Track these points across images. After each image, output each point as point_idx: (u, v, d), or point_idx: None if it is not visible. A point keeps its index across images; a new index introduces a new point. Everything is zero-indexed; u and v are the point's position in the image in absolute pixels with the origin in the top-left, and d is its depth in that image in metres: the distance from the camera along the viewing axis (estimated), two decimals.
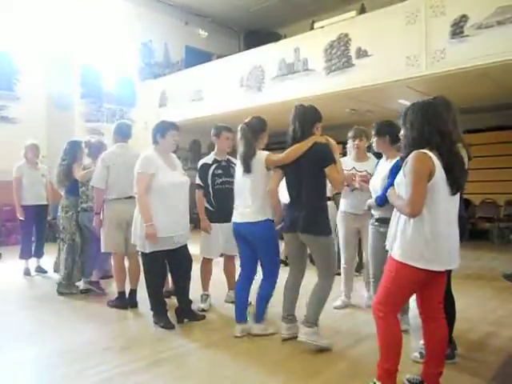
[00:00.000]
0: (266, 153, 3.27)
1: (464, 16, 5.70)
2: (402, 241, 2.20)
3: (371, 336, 3.25)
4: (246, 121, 3.36)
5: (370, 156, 4.11)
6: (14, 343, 3.33)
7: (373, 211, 3.46)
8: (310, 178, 3.06)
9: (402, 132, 2.35)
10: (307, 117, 3.12)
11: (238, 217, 3.35)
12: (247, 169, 3.24)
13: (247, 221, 3.26)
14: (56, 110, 9.29)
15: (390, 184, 2.57)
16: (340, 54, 7.03)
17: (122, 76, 10.69)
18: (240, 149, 3.30)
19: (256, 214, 3.23)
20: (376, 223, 3.42)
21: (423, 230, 2.14)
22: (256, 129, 3.31)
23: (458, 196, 2.25)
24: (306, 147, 3.04)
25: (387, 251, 2.35)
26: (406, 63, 6.22)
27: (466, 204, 2.32)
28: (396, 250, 2.22)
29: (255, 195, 3.24)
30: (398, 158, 2.91)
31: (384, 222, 3.10)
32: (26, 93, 8.86)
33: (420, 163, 2.12)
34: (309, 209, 3.05)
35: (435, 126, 2.18)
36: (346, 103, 8.04)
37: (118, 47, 10.46)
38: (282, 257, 4.29)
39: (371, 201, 3.38)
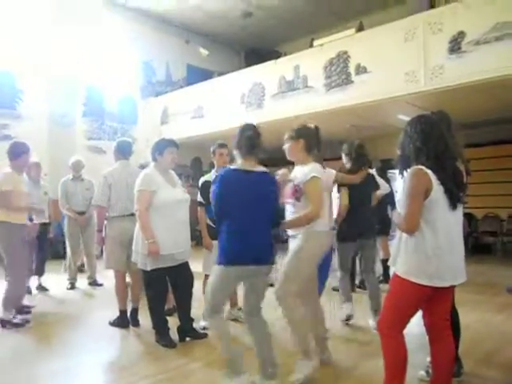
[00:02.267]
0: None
1: (461, 32, 5.77)
2: (404, 257, 2.19)
3: (378, 354, 3.22)
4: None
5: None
6: (10, 364, 3.29)
7: None
8: None
9: (398, 147, 2.35)
10: None
11: None
12: None
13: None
14: (58, 128, 9.35)
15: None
16: (339, 71, 7.10)
17: (124, 94, 10.79)
18: None
19: None
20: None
21: (424, 246, 2.13)
22: None
23: (460, 210, 2.23)
24: None
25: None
26: (405, 79, 6.28)
27: (468, 218, 2.31)
28: (399, 266, 2.21)
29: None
30: None
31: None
32: (28, 111, 8.94)
33: (416, 179, 2.13)
34: None
35: (433, 141, 2.18)
36: (346, 119, 8.10)
37: (119, 66, 10.59)
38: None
39: None
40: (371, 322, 3.94)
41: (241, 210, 2.62)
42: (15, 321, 4.18)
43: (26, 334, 4.03)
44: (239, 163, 2.68)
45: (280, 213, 2.88)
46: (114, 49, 10.41)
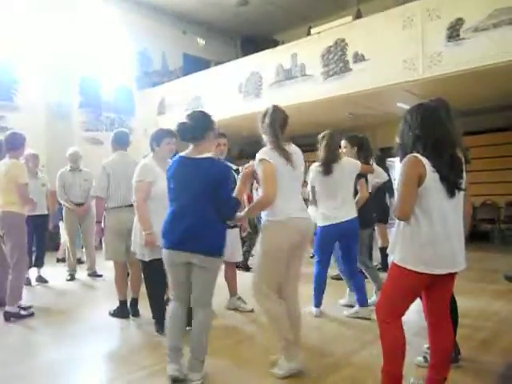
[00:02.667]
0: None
1: (460, 19, 5.73)
2: (401, 245, 2.20)
3: (377, 341, 3.25)
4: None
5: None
6: (13, 356, 3.31)
7: None
8: None
9: (398, 135, 2.35)
10: None
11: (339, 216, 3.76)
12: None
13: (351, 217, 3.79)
14: (55, 119, 9.32)
15: None
16: (337, 59, 7.06)
17: (121, 85, 10.73)
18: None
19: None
20: None
21: (419, 234, 2.13)
22: None
23: (460, 198, 2.22)
24: None
25: None
26: (403, 67, 6.24)
27: None
28: (396, 254, 2.22)
29: (347, 194, 3.84)
30: None
31: None
32: (24, 103, 8.89)
33: (409, 167, 2.13)
34: None
35: (432, 128, 2.17)
36: (344, 108, 8.07)
37: (116, 56, 10.52)
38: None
39: None
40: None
41: (177, 195, 2.68)
42: (22, 313, 4.20)
43: (27, 325, 4.05)
44: (187, 150, 2.70)
45: (231, 203, 2.65)
46: (110, 39, 10.33)
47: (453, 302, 2.73)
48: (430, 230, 2.12)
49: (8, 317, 4.09)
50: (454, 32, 5.80)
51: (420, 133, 2.18)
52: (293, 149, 2.79)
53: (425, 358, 2.82)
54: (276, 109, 2.84)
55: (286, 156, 2.69)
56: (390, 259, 2.34)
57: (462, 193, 2.21)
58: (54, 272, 6.25)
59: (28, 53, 8.94)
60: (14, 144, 4.28)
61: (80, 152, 6.13)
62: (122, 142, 4.32)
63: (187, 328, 3.65)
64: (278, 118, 2.79)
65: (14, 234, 4.17)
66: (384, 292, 2.31)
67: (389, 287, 2.27)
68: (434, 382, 2.29)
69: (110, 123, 10.46)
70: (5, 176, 4.14)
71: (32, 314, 4.24)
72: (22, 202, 4.19)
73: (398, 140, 2.33)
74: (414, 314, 3.76)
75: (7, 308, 4.13)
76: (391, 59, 6.36)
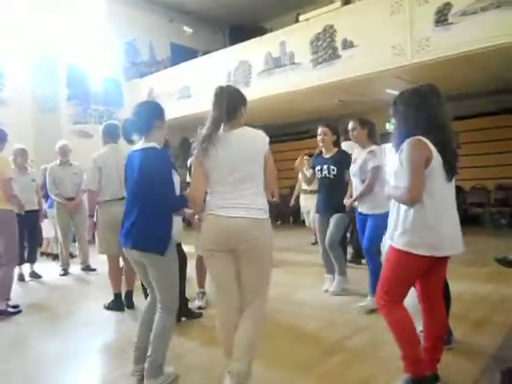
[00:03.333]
0: None
1: (448, 4, 5.72)
2: (404, 229, 2.18)
3: (369, 327, 3.29)
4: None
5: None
6: (8, 351, 3.32)
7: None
8: None
9: (392, 121, 2.35)
10: None
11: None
12: None
13: None
14: (42, 113, 9.20)
15: None
16: (326, 46, 7.03)
17: (108, 76, 10.60)
18: None
19: None
20: None
21: (425, 217, 2.12)
22: None
23: (453, 182, 2.25)
24: None
25: None
26: (392, 53, 6.24)
27: (457, 191, 2.31)
28: (397, 238, 2.20)
29: None
30: None
31: None
32: (11, 97, 8.75)
33: (416, 150, 2.11)
34: None
35: (424, 112, 2.17)
36: (334, 95, 8.06)
37: (102, 47, 10.37)
38: None
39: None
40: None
41: (126, 190, 2.65)
42: (10, 310, 4.17)
43: (22, 320, 4.04)
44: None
45: (169, 197, 2.47)
46: (96, 29, 10.17)
47: (445, 285, 2.76)
48: (434, 213, 2.13)
49: None
50: (441, 17, 5.79)
51: (411, 117, 2.18)
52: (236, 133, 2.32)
53: None
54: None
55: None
56: (386, 244, 2.34)
57: (454, 178, 2.23)
58: (47, 267, 6.23)
59: (13, 46, 8.77)
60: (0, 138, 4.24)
61: (69, 145, 6.07)
62: (112, 134, 4.28)
63: (183, 319, 3.70)
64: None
65: (3, 231, 4.11)
66: (384, 277, 2.29)
67: (389, 272, 2.25)
68: (428, 363, 2.32)
69: (98, 116, 10.36)
70: None
71: (19, 312, 4.21)
72: (5, 198, 4.09)
73: (396, 124, 2.30)
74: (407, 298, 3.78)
75: None
76: (380, 45, 6.34)
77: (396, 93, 2.36)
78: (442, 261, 2.23)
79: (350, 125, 3.95)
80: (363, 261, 5.59)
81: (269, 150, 2.33)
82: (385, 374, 2.57)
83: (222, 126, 2.29)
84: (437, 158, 2.12)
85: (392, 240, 2.25)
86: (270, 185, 2.39)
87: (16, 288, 5.34)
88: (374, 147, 3.80)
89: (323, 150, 4.37)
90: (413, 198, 2.09)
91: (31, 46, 8.95)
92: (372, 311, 3.56)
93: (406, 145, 2.15)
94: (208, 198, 2.36)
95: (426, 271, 2.24)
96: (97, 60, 10.28)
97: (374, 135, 3.90)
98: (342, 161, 4.23)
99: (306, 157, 5.29)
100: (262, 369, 2.65)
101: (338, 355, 2.90)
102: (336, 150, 4.35)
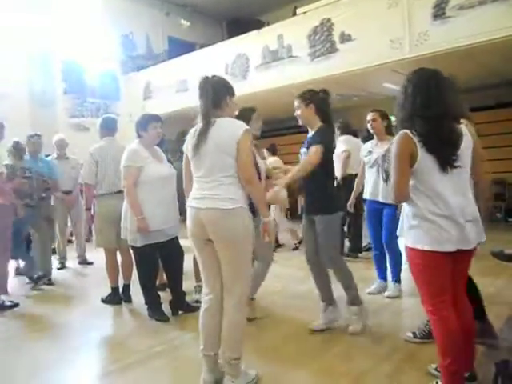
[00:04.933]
0: None
1: None
2: (408, 225, 2.13)
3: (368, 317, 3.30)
4: None
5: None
6: (7, 342, 3.33)
7: None
8: None
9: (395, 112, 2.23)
10: None
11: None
12: None
13: None
14: (39, 106, 9.14)
15: None
16: (324, 40, 7.00)
17: (105, 70, 10.53)
18: None
19: None
20: None
21: (421, 213, 2.05)
22: None
23: (459, 174, 2.06)
24: None
25: None
26: (390, 46, 6.21)
27: None
28: (408, 237, 2.14)
29: None
30: None
31: None
32: (7, 91, 8.67)
33: (400, 145, 2.05)
34: None
35: (416, 99, 2.06)
36: (332, 89, 7.95)
37: (98, 41, 10.28)
38: None
39: None
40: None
41: None
42: (6, 303, 4.17)
43: (19, 314, 4.04)
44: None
45: None
46: (93, 23, 10.06)
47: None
48: (432, 206, 2.02)
49: None
50: (439, 10, 5.76)
51: (407, 104, 2.09)
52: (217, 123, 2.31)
53: (414, 333, 2.88)
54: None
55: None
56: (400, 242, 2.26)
57: (462, 170, 2.07)
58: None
59: (8, 40, 8.70)
60: None
61: (66, 139, 6.05)
62: (109, 127, 4.27)
63: (180, 312, 3.71)
64: None
65: None
66: (416, 283, 2.17)
67: (416, 275, 2.14)
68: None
69: (95, 109, 10.31)
70: None
71: (17, 305, 4.20)
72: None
73: (396, 113, 2.19)
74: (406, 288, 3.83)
75: None
76: (378, 39, 6.31)
77: (394, 87, 2.34)
78: (460, 255, 2.08)
79: (370, 115, 3.99)
80: (360, 254, 5.65)
81: (244, 139, 2.25)
82: (384, 366, 2.59)
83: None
84: (424, 152, 2.01)
85: (403, 237, 2.19)
86: (241, 176, 2.29)
87: (13, 281, 5.35)
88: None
89: (375, 136, 4.07)
90: (397, 195, 2.07)
91: (27, 40, 8.86)
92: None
93: (394, 140, 2.10)
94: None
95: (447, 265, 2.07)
96: (93, 53, 10.19)
97: (391, 128, 3.93)
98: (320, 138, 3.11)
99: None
100: (258, 363, 2.67)
101: (335, 348, 2.91)
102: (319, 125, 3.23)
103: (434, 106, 2.05)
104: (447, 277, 2.09)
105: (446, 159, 2.03)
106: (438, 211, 2.03)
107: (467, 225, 2.06)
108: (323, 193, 3.11)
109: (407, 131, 2.05)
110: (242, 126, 2.30)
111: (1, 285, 4.17)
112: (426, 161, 2.02)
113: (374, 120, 3.95)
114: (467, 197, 2.11)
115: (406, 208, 2.15)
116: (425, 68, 2.22)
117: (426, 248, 2.03)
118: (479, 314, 2.61)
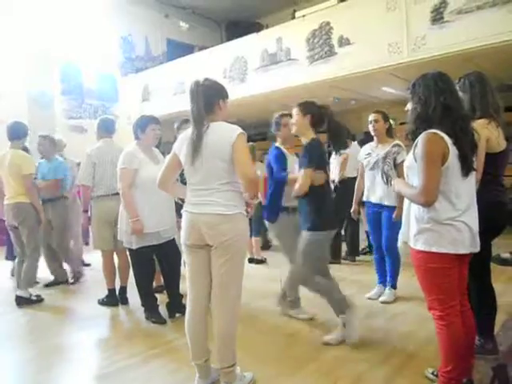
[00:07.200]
0: None
1: (443, 2, 5.72)
2: (419, 229, 2.04)
3: (364, 322, 3.31)
4: None
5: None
6: (6, 343, 3.32)
7: None
8: None
9: (408, 106, 2.18)
10: None
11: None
12: None
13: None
14: (37, 107, 9.13)
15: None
16: (322, 43, 7.02)
17: (103, 71, 10.53)
18: None
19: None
20: None
21: (438, 217, 1.98)
22: None
23: (472, 178, 2.07)
24: None
25: None
26: (388, 50, 6.24)
27: None
28: (415, 240, 2.07)
29: None
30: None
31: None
32: (5, 92, 8.67)
33: (432, 145, 1.94)
34: None
35: (445, 99, 2.00)
36: (330, 92, 8.06)
37: (97, 42, 10.29)
38: None
39: None
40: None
41: None
42: (33, 298, 4.31)
43: (15, 314, 4.02)
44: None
45: None
46: (91, 24, 10.07)
47: (487, 290, 2.65)
48: (451, 210, 1.98)
49: (20, 301, 4.22)
50: (438, 15, 5.79)
51: (445, 102, 2.00)
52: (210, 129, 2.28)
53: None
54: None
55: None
56: (400, 245, 2.23)
57: (473, 173, 2.06)
58: (41, 262, 6.17)
59: (6, 40, 8.69)
60: (19, 133, 4.38)
61: (64, 140, 6.03)
62: (107, 129, 4.26)
63: (177, 315, 3.70)
64: None
65: (28, 223, 4.26)
66: (423, 287, 2.11)
67: (424, 279, 2.08)
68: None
69: (93, 110, 10.31)
70: (9, 167, 4.21)
71: (42, 300, 4.35)
72: (27, 193, 4.23)
73: (413, 107, 2.11)
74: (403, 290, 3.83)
75: (19, 293, 4.26)
76: (376, 43, 6.34)
77: (392, 91, 2.34)
78: (463, 259, 2.07)
79: (372, 116, 3.97)
80: (357, 258, 5.65)
81: (239, 140, 2.21)
82: (381, 370, 2.59)
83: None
84: (454, 154, 1.95)
85: (409, 241, 2.12)
86: (241, 174, 2.23)
87: (9, 283, 5.34)
88: (397, 141, 3.87)
89: (375, 138, 4.04)
90: (427, 199, 1.95)
91: (25, 41, 8.86)
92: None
93: (420, 139, 1.98)
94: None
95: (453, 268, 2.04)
96: (92, 55, 10.20)
97: (391, 131, 3.98)
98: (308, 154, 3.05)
99: None
100: (254, 367, 2.66)
101: (332, 351, 2.90)
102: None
103: (462, 108, 2.03)
104: (457, 281, 2.06)
105: (470, 162, 2.01)
106: (455, 214, 1.99)
107: (475, 228, 2.06)
108: (311, 207, 3.02)
109: (435, 131, 1.97)
110: (236, 129, 2.27)
111: (30, 280, 4.37)
112: (453, 162, 1.97)
113: (376, 121, 3.93)
114: (474, 200, 2.10)
115: (416, 211, 2.06)
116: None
117: (443, 250, 1.98)
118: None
